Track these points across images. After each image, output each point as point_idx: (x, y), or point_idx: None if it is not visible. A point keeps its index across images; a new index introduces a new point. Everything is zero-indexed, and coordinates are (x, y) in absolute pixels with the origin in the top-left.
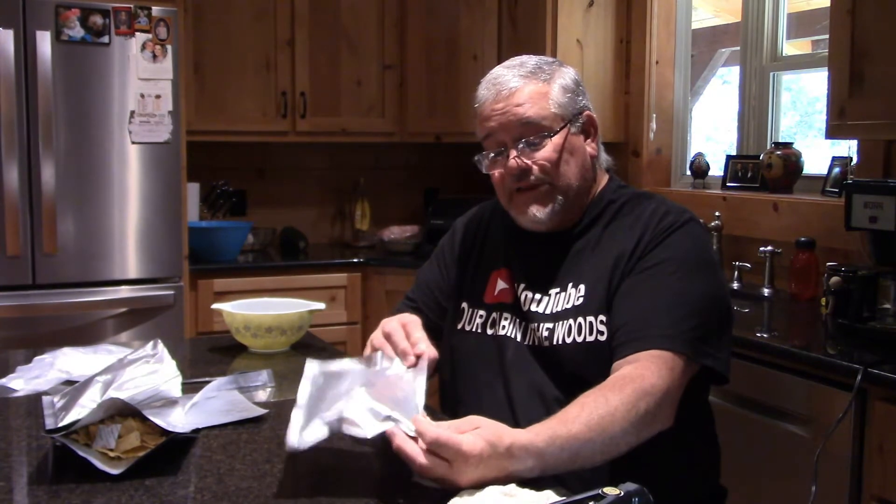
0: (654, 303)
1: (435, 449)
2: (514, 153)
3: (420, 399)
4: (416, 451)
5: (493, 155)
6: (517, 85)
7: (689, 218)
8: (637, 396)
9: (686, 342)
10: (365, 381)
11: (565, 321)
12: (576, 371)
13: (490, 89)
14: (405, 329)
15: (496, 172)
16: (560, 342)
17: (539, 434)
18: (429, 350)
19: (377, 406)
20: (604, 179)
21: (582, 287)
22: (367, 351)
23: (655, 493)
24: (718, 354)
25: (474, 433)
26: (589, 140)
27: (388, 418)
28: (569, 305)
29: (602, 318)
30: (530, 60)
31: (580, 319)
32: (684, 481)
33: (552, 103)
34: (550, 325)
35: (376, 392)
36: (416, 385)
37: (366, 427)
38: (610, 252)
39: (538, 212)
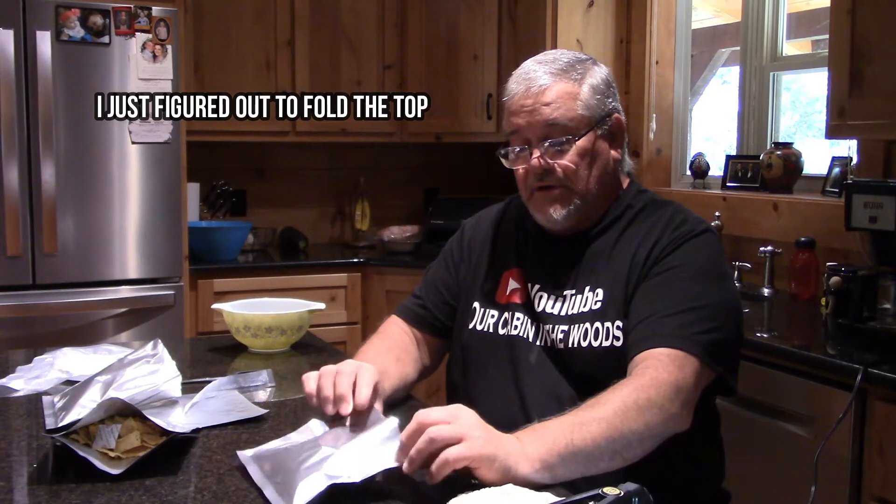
0: (668, 304)
1: (434, 421)
2: (537, 153)
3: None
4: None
5: (517, 150)
6: (547, 83)
7: (707, 228)
8: (641, 386)
9: (698, 344)
10: (329, 442)
11: (581, 325)
12: (590, 373)
13: (520, 84)
14: (356, 380)
15: (520, 169)
16: (575, 345)
17: (535, 427)
18: (365, 400)
19: (360, 453)
20: (625, 183)
21: (599, 292)
22: (311, 384)
23: (659, 496)
24: (729, 364)
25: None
26: (614, 144)
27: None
28: (585, 309)
29: (618, 323)
30: (563, 57)
31: (597, 324)
32: (688, 485)
33: (580, 105)
34: (565, 328)
35: (349, 443)
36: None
37: (353, 472)
38: (626, 257)
39: (555, 213)
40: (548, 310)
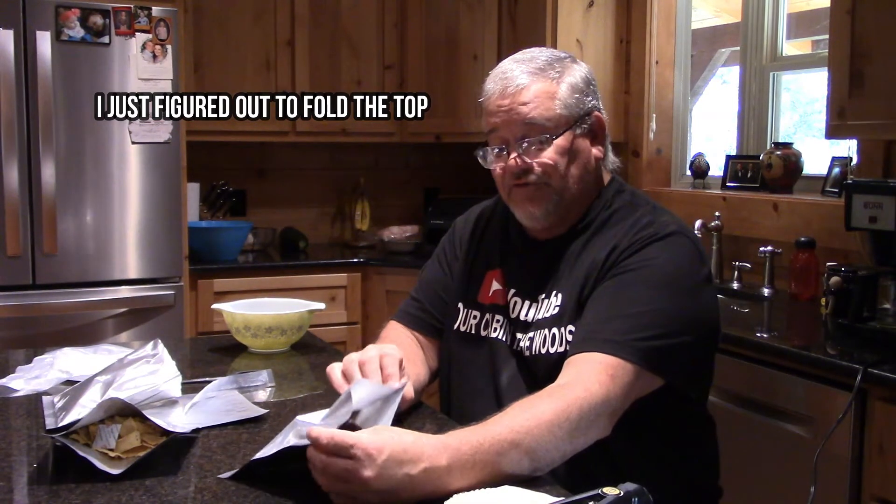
0: (612, 308)
1: (334, 449)
2: (514, 153)
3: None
4: (316, 455)
5: (496, 150)
6: (524, 82)
7: (674, 231)
8: (568, 403)
9: (637, 350)
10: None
11: (541, 331)
12: (552, 381)
13: (497, 83)
14: (381, 362)
15: (497, 167)
16: (537, 352)
17: (453, 435)
18: (405, 390)
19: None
20: (606, 181)
21: (560, 296)
22: (336, 375)
23: (652, 494)
24: (677, 369)
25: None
26: (595, 142)
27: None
28: (547, 315)
29: (571, 328)
30: (542, 55)
31: (555, 330)
32: (682, 483)
33: (558, 104)
34: (532, 335)
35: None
36: (384, 411)
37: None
38: (588, 260)
39: (534, 209)
40: (521, 316)
